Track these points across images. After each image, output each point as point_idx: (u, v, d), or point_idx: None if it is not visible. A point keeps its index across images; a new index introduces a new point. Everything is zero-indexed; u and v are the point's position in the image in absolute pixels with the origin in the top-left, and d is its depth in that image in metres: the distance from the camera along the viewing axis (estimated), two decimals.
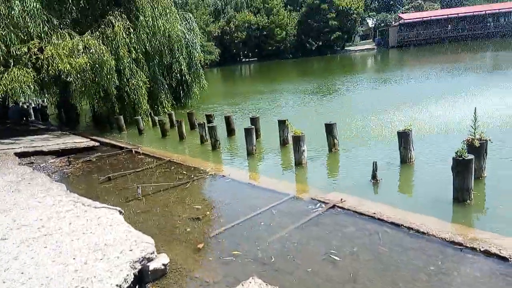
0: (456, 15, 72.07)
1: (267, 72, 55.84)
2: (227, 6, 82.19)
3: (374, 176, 8.86)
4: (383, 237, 6.32)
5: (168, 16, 20.51)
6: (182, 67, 22.84)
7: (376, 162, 8.90)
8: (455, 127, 12.46)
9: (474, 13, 71.25)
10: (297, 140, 10.49)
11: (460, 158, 7.10)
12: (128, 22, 18.68)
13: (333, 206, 7.72)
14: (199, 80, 24.18)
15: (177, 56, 22.46)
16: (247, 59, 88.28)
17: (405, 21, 75.25)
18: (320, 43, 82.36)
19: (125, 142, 16.38)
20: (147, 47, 19.69)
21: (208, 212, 8.23)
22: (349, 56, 74.25)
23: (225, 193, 9.38)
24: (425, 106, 16.40)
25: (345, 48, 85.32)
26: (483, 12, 70.45)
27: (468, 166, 7.06)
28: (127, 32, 18.35)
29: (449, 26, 72.10)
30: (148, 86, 20.01)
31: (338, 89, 26.72)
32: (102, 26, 18.32)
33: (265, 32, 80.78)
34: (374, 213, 7.16)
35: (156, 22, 19.62)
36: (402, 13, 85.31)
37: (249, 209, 8.07)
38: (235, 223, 7.43)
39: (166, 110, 22.25)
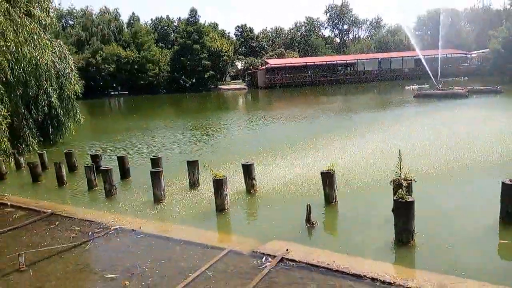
0: (313, 63, 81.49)
1: (144, 107, 53.12)
2: (92, 38, 76.80)
3: (308, 220, 8.39)
4: None
5: (35, 42, 17.55)
6: (52, 99, 19.64)
7: (309, 205, 8.47)
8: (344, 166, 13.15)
9: (327, 62, 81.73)
10: (220, 183, 9.48)
11: (403, 201, 7.13)
12: None
13: (282, 259, 6.89)
14: (74, 113, 21.09)
15: (44, 87, 19.28)
16: (117, 92, 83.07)
17: (271, 65, 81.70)
18: (194, 81, 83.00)
19: None
20: (8, 76, 16.31)
21: (127, 283, 6.49)
22: (222, 93, 76.41)
23: (142, 253, 7.65)
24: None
25: (218, 86, 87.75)
26: (334, 62, 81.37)
27: (410, 207, 7.12)
28: None
29: (309, 72, 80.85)
30: (9, 120, 16.40)
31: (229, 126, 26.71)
32: None
33: (136, 66, 77.72)
34: (328, 264, 6.58)
35: (21, 49, 16.52)
36: (268, 58, 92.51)
37: (180, 274, 6.65)
38: None
39: (31, 149, 18.65)
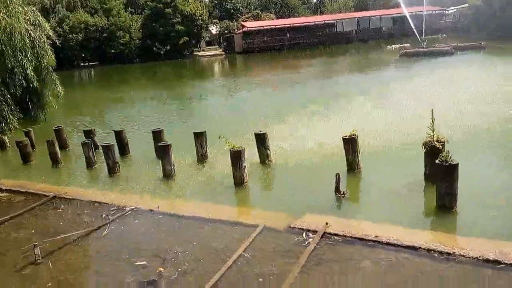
0: (291, 25, 79.53)
1: (119, 77, 50.94)
2: (57, 5, 71.89)
3: (338, 189, 7.98)
4: (415, 266, 5.40)
5: (9, 8, 15.92)
6: (28, 71, 18.10)
7: (339, 174, 8.03)
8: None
9: (306, 23, 79.93)
10: (237, 155, 8.87)
11: (446, 163, 6.75)
12: None
13: (324, 234, 6.47)
14: (53, 86, 19.64)
15: (19, 58, 17.72)
16: (87, 63, 79.20)
17: (248, 29, 79.23)
18: (168, 48, 79.82)
19: None
20: None
21: (162, 269, 5.95)
22: (199, 61, 74.12)
23: (168, 235, 7.09)
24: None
25: (194, 53, 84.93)
26: (313, 23, 79.68)
27: (454, 170, 6.76)
28: None
29: (287, 34, 78.98)
30: None
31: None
32: None
33: (105, 34, 73.75)
34: (376, 237, 6.21)
35: None
36: (244, 21, 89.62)
37: (216, 256, 6.15)
38: (213, 282, 5.43)
39: (12, 127, 17.40)
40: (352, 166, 9.15)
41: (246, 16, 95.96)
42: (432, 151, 7.84)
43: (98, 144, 12.25)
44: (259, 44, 77.37)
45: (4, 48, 16.14)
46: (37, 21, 19.03)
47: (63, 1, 73.95)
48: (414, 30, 42.72)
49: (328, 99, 18.92)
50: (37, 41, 18.68)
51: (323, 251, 6.00)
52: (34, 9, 19.68)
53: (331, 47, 69.30)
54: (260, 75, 38.11)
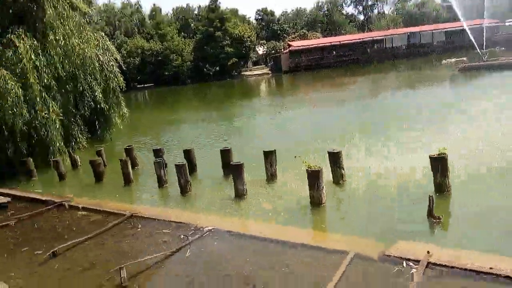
0: (338, 42, 78.92)
1: (176, 99, 52.71)
2: (116, 32, 76.63)
3: (431, 213, 7.35)
4: None
5: (82, 34, 16.92)
6: (97, 93, 19.02)
7: (432, 196, 7.41)
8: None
9: (353, 40, 78.98)
10: (315, 175, 8.51)
11: None
12: (35, 42, 14.64)
13: (428, 264, 5.89)
14: (119, 108, 20.47)
15: (89, 81, 18.70)
16: (143, 85, 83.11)
17: (295, 48, 79.65)
18: (218, 68, 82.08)
19: (47, 193, 12.16)
20: (60, 71, 15.71)
21: None
22: (247, 80, 75.30)
23: (253, 259, 6.79)
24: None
25: (242, 73, 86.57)
26: (360, 40, 78.55)
27: None
28: (35, 53, 14.27)
29: (334, 52, 78.43)
30: (61, 118, 15.88)
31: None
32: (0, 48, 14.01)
33: (160, 58, 77.30)
34: (492, 268, 5.54)
35: (69, 41, 15.91)
36: (290, 41, 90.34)
37: (309, 285, 5.75)
38: None
39: (81, 146, 18.21)
40: (441, 188, 8.45)
41: (293, 36, 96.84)
42: None
43: (166, 162, 12.38)
44: (305, 63, 77.39)
45: (77, 72, 17.07)
46: (105, 46, 20.08)
47: (122, 28, 78.75)
48: (474, 43, 40.61)
49: (391, 119, 18.14)
50: (105, 65, 19.65)
51: (430, 284, 5.42)
52: (103, 34, 20.80)
53: (380, 64, 67.79)
54: (308, 93, 37.77)
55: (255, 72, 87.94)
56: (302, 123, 20.64)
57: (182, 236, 7.95)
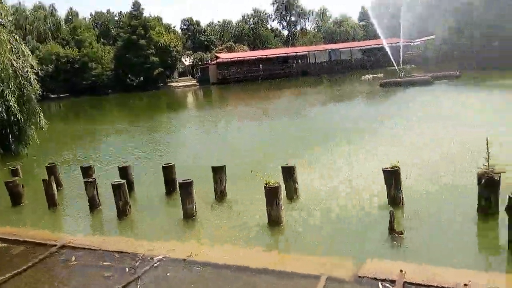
0: (265, 56, 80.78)
1: (94, 109, 49.16)
2: (27, 37, 69.80)
3: (392, 228, 7.26)
4: None
5: None
6: (11, 102, 16.75)
7: (393, 211, 7.36)
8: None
9: (279, 55, 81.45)
10: (274, 192, 8.04)
11: None
12: None
13: (404, 284, 5.67)
14: (36, 118, 18.22)
15: (0, 89, 16.42)
16: (57, 95, 76.50)
17: (223, 60, 79.80)
18: (142, 78, 78.80)
19: None
20: None
21: None
22: (174, 91, 73.44)
23: None
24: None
25: (168, 84, 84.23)
26: (286, 55, 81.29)
27: None
28: None
29: (261, 65, 79.96)
30: None
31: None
32: None
33: (77, 66, 71.98)
34: (466, 285, 5.48)
35: None
36: (218, 52, 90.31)
37: None
38: None
39: None
40: (396, 201, 8.50)
41: (220, 47, 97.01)
42: (489, 183, 7.38)
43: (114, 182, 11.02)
44: (234, 75, 77.83)
45: None
46: (20, 50, 17.81)
47: (34, 33, 72.15)
48: (392, 60, 44.02)
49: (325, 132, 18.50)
50: (20, 71, 17.43)
51: None
52: (17, 37, 18.48)
53: (305, 78, 70.61)
54: (239, 106, 37.62)
55: (182, 83, 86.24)
56: (240, 137, 20.22)
57: (128, 269, 6.90)
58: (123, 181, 9.63)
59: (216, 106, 41.64)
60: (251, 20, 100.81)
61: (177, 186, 10.20)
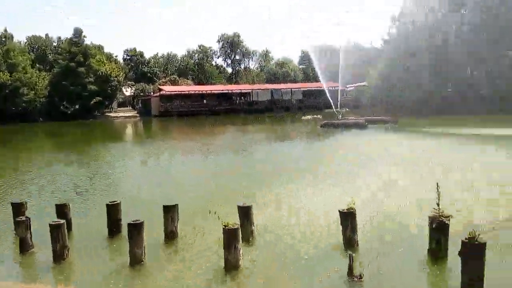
0: (210, 91, 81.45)
1: (25, 138, 45.30)
2: None
3: (352, 272, 7.22)
4: None
5: None
6: None
7: (352, 254, 7.36)
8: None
9: (224, 91, 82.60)
10: (233, 234, 7.71)
11: (475, 242, 6.50)
12: None
13: None
14: None
15: None
16: None
17: (166, 92, 78.96)
18: (77, 107, 75.07)
19: None
20: None
21: None
22: (113, 122, 70.72)
23: None
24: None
25: (106, 114, 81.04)
26: (230, 91, 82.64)
27: (482, 250, 6.51)
28: None
29: (205, 100, 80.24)
30: None
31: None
32: None
33: (7, 91, 66.94)
34: None
35: None
36: (161, 85, 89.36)
37: None
38: None
39: None
40: (351, 242, 8.55)
41: (164, 80, 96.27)
42: (439, 226, 7.72)
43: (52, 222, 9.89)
44: (177, 108, 77.14)
45: None
46: None
47: None
48: (332, 103, 46.42)
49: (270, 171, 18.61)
50: None
51: None
52: None
53: (248, 115, 71.90)
54: (183, 140, 36.96)
55: (122, 114, 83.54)
56: (185, 172, 19.63)
57: None
58: (62, 221, 8.69)
59: (159, 139, 40.46)
60: (196, 55, 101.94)
61: (123, 227, 9.58)
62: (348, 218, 8.57)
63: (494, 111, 41.94)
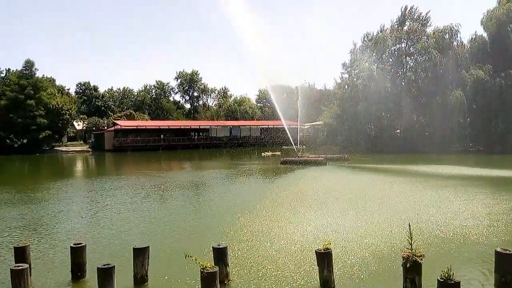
0: (167, 126, 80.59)
1: None
2: None
3: None
4: None
5: None
6: None
7: None
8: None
9: (181, 126, 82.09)
10: (212, 278, 7.44)
11: (451, 281, 6.77)
12: None
13: None
14: None
15: None
16: None
17: (121, 127, 77.19)
18: (25, 141, 71.27)
19: None
20: None
21: None
22: (64, 157, 67.35)
23: None
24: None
25: (55, 148, 77.40)
26: (188, 127, 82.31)
27: None
28: None
29: (162, 136, 79.13)
30: None
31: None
32: None
33: None
34: None
35: None
36: (116, 119, 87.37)
37: None
38: None
39: None
40: (328, 284, 8.55)
41: (119, 114, 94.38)
42: (412, 265, 7.95)
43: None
44: (132, 143, 75.41)
45: None
46: None
47: None
48: (291, 140, 47.54)
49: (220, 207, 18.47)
50: None
51: None
52: None
53: (206, 151, 71.64)
54: (137, 175, 35.73)
55: (73, 148, 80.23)
56: (145, 210, 18.89)
57: None
58: (25, 265, 8.01)
59: (113, 174, 38.93)
60: (154, 91, 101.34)
61: (87, 271, 9.04)
62: (324, 258, 8.63)
63: (434, 150, 45.57)
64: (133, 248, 9.14)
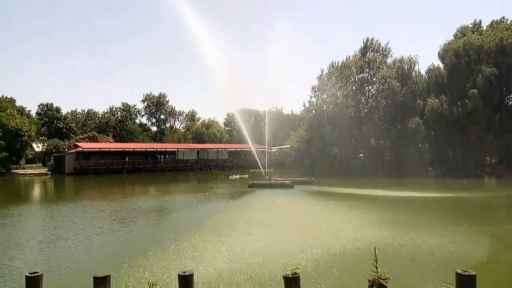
0: (132, 149, 78.79)
1: None
2: None
3: None
4: None
5: None
6: None
7: None
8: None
9: (147, 149, 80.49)
10: None
11: None
12: None
13: None
14: None
15: None
16: None
17: (83, 149, 74.72)
18: None
19: None
20: None
21: None
22: (21, 180, 64.00)
23: None
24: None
25: (12, 171, 73.52)
26: (154, 149, 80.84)
27: None
28: None
29: (127, 158, 77.17)
30: None
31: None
32: None
33: None
34: None
35: None
36: (77, 141, 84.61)
37: None
38: None
39: None
40: None
41: (81, 136, 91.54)
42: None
43: None
44: (94, 166, 72.96)
45: None
46: None
47: None
48: (259, 163, 47.66)
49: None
50: None
51: None
52: None
53: (173, 173, 70.40)
54: (98, 200, 34.40)
55: (31, 171, 76.42)
56: (105, 235, 18.18)
57: None
58: None
59: (73, 199, 37.25)
60: (119, 113, 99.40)
61: None
62: (292, 283, 8.56)
63: (394, 175, 47.24)
64: (94, 277, 8.70)
